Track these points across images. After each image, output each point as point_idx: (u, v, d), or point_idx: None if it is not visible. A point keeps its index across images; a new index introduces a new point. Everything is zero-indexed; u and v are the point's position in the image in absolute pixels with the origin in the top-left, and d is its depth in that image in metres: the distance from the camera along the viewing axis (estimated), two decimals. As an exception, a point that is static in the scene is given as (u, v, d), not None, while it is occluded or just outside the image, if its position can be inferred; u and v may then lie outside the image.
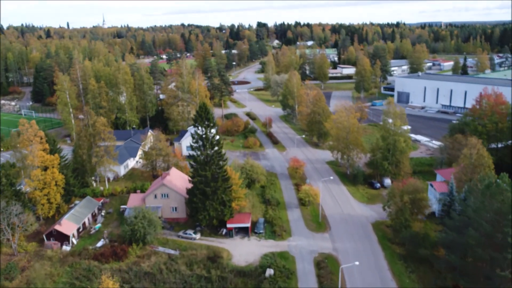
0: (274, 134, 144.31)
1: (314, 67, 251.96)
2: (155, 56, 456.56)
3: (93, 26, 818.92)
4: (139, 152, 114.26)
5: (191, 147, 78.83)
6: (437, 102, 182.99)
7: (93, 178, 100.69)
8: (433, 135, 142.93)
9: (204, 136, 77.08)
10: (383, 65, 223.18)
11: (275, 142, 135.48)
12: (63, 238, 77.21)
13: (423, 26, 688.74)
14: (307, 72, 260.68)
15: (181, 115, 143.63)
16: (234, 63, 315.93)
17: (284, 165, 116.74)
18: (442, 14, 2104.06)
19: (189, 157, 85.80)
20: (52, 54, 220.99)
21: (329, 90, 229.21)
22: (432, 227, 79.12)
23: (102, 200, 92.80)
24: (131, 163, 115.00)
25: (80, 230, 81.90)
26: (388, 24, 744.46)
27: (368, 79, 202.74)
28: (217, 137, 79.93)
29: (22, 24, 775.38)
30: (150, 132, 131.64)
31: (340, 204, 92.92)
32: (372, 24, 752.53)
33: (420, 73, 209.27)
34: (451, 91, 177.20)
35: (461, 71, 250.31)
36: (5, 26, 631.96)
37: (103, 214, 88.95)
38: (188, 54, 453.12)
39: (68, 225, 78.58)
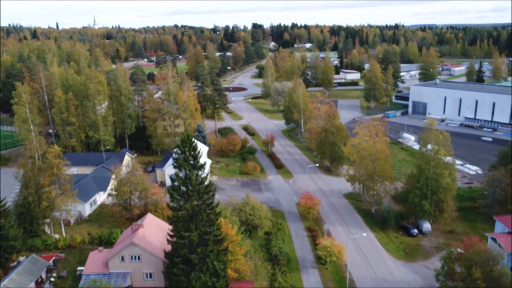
0: (277, 154, 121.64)
1: (317, 72, 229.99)
2: (145, 59, 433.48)
3: (83, 27, 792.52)
4: (112, 183, 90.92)
5: (170, 196, 55.99)
6: (459, 115, 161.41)
7: (47, 220, 77.25)
8: (465, 157, 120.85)
9: (188, 181, 54.26)
10: (395, 71, 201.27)
11: (279, 166, 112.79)
12: (-14, 326, 54.12)
13: (422, 28, 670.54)
14: (309, 77, 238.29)
15: (167, 131, 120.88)
16: (229, 67, 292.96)
17: (292, 199, 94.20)
18: (437, 17, 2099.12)
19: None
20: (24, 57, 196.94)
21: (334, 98, 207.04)
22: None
23: (54, 258, 69.45)
24: (101, 197, 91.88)
25: (16, 309, 58.67)
26: (387, 26, 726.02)
27: (380, 87, 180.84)
28: (207, 181, 57.21)
29: (9, 24, 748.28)
30: (127, 155, 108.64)
31: (370, 261, 70.38)
32: (370, 26, 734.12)
33: (437, 81, 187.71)
34: (476, 102, 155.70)
35: (476, 77, 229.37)
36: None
37: (53, 279, 65.72)
38: (180, 57, 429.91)
39: (-5, 307, 55.43)
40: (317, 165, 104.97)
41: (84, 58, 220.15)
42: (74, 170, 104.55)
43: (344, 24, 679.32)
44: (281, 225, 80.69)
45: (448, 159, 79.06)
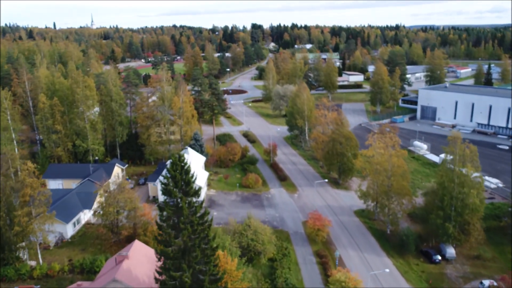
0: (280, 164, 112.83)
1: (319, 74, 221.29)
2: (142, 60, 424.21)
3: (80, 27, 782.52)
4: (97, 201, 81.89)
5: (158, 227, 47.08)
6: (471, 120, 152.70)
7: (22, 244, 68.20)
8: (482, 167, 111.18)
9: (179, 211, 45.36)
10: (402, 73, 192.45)
11: (282, 178, 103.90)
12: None
13: (424, 29, 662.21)
14: (311, 79, 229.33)
15: (161, 138, 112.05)
16: (228, 69, 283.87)
17: (298, 217, 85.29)
18: (435, 17, 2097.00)
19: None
20: (13, 58, 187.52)
21: (338, 101, 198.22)
22: None
23: (27, 291, 60.64)
24: (86, 216, 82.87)
25: None
26: (387, 27, 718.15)
27: (387, 91, 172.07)
28: (202, 209, 48.26)
29: (5, 24, 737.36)
30: (117, 166, 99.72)
31: (389, 294, 61.61)
32: (371, 26, 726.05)
33: (447, 84, 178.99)
34: (490, 107, 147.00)
35: (484, 79, 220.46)
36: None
37: (23, 318, 56.88)
38: (178, 57, 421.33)
39: None
40: (326, 180, 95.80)
41: (77, 59, 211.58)
42: (59, 183, 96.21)
43: (343, 25, 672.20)
44: (286, 250, 71.75)
45: (476, 175, 70.36)
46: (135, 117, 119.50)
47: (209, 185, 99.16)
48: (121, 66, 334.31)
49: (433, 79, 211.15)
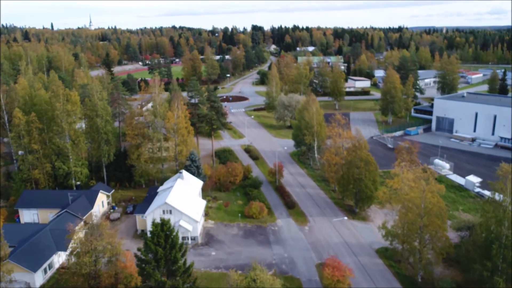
0: (287, 187, 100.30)
1: (324, 80, 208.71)
2: (140, 62, 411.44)
3: (78, 28, 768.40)
4: (70, 246, 68.83)
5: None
6: (493, 134, 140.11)
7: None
8: None
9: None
10: (415, 80, 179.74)
11: (290, 205, 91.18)
12: None
13: (427, 31, 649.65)
14: (315, 86, 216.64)
15: (153, 153, 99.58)
16: (228, 75, 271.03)
17: (310, 257, 72.66)
18: (435, 19, 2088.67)
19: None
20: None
21: (345, 110, 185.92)
22: None
23: None
24: (60, 258, 70.21)
25: None
26: (390, 28, 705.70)
27: (399, 100, 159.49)
28: (193, 271, 35.72)
29: (2, 25, 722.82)
30: (101, 193, 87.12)
31: None
32: (373, 28, 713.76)
33: (465, 93, 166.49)
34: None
35: (498, 86, 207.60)
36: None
37: None
38: (177, 60, 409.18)
39: None
40: (346, 218, 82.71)
41: (68, 64, 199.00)
42: (34, 213, 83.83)
43: (344, 26, 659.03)
44: (299, 306, 59.20)
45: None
46: (124, 133, 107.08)
47: (207, 214, 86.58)
48: (118, 69, 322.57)
49: (446, 86, 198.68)
